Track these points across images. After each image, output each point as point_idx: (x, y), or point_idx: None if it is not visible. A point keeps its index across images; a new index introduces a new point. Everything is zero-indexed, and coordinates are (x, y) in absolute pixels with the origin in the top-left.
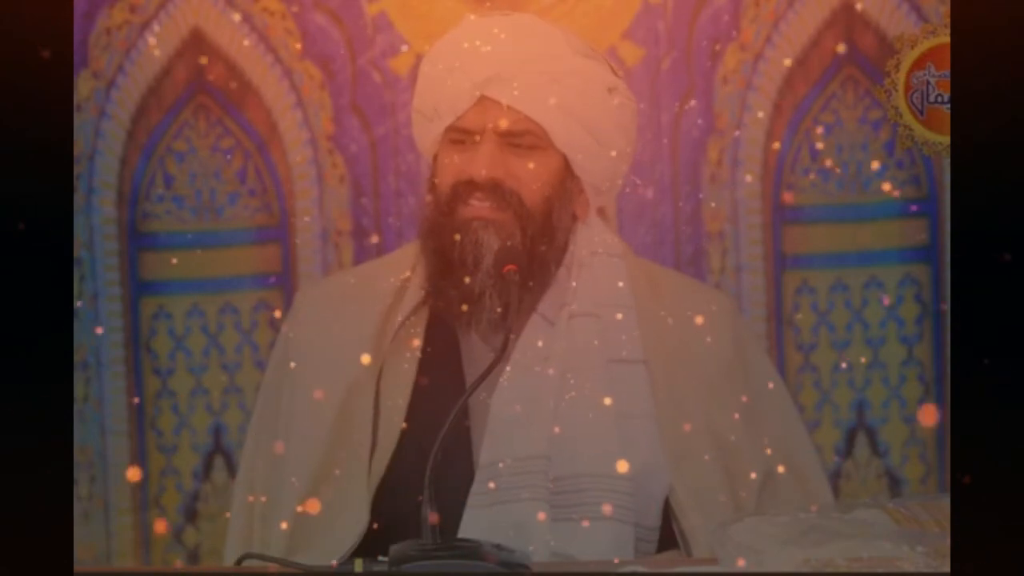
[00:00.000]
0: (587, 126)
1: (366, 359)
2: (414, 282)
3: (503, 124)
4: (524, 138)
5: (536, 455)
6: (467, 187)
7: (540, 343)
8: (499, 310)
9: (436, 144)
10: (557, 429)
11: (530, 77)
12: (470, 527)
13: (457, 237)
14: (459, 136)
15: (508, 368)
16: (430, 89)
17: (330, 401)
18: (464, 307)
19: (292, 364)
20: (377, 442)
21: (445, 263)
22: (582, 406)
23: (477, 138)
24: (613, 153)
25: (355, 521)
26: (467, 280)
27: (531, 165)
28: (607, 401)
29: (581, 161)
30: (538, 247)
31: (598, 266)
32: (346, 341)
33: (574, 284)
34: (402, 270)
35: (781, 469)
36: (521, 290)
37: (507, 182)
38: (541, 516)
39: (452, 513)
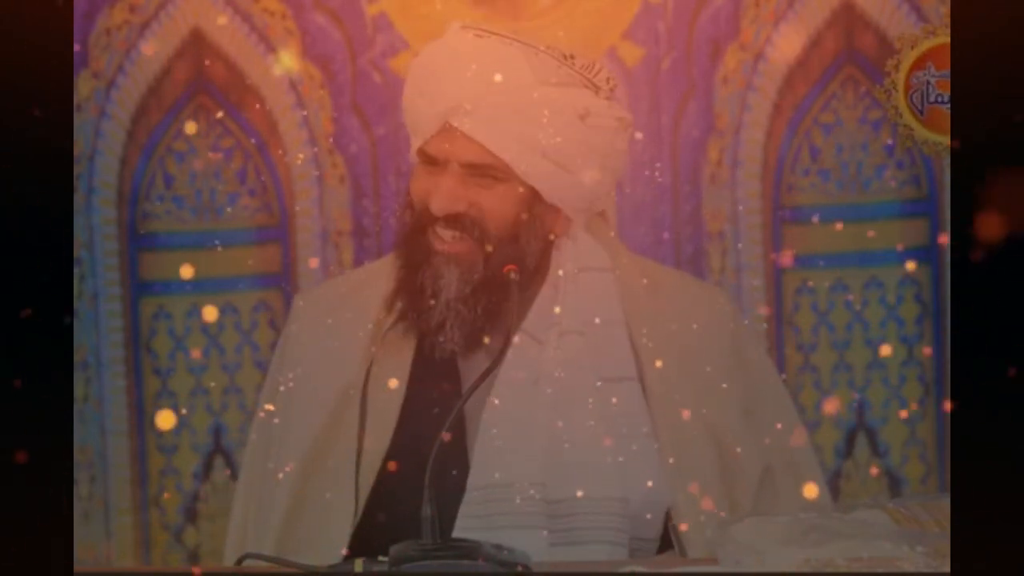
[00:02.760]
0: (551, 157)
1: (361, 357)
2: None
3: (465, 157)
4: (487, 170)
5: (531, 481)
6: (428, 216)
7: (529, 363)
8: (457, 340)
9: (415, 157)
10: (549, 453)
11: (491, 109)
12: None
13: (421, 266)
14: (427, 159)
15: (497, 388)
16: (407, 106)
17: (324, 404)
18: (425, 332)
19: (293, 365)
20: (366, 445)
21: (410, 284)
22: (575, 428)
23: (443, 165)
24: (584, 179)
25: (345, 523)
26: (427, 308)
27: (493, 196)
28: (600, 417)
29: (549, 190)
30: (503, 275)
31: (585, 282)
32: (342, 343)
33: (559, 305)
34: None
35: (778, 465)
36: (520, 292)
37: (469, 213)
38: (543, 541)
39: (448, 519)
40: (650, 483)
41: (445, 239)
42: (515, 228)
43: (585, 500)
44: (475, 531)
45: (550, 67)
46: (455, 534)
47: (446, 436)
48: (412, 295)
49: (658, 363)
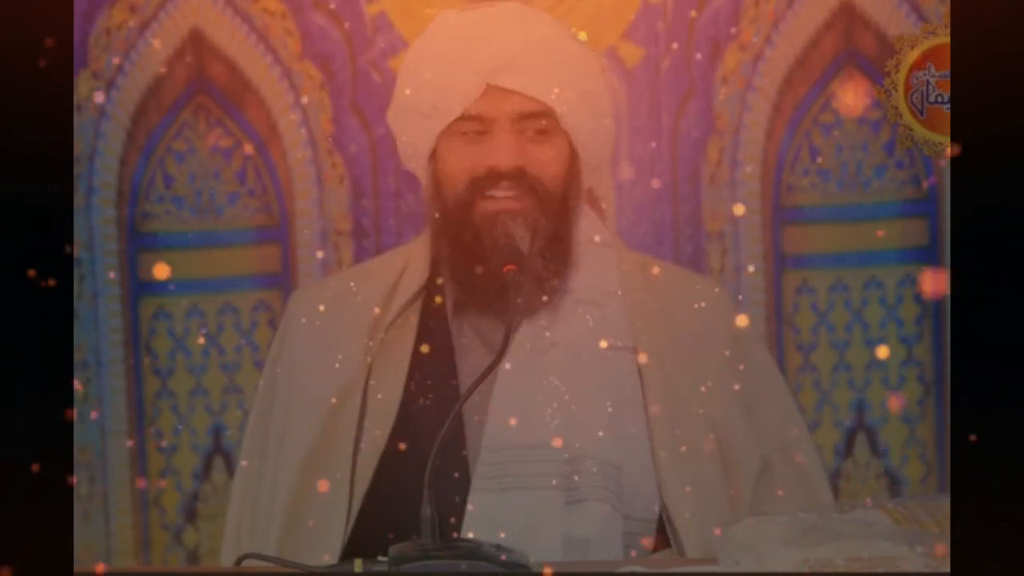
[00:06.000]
0: (590, 106)
1: (357, 356)
2: (406, 280)
3: (515, 110)
4: (537, 123)
5: (547, 444)
6: (489, 178)
7: (547, 330)
8: (544, 298)
9: (433, 141)
10: (559, 415)
11: (536, 63)
12: (477, 511)
13: (484, 230)
14: (470, 127)
15: (513, 352)
16: (428, 86)
17: (323, 400)
18: (498, 297)
19: (289, 363)
20: (363, 444)
21: (470, 258)
22: (581, 392)
23: (490, 128)
24: (607, 128)
25: (341, 521)
26: (506, 271)
27: (546, 150)
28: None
29: (583, 140)
30: (560, 231)
31: (592, 254)
32: (339, 341)
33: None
34: (394, 270)
35: (779, 460)
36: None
37: (529, 168)
38: (558, 500)
39: (444, 511)
40: (638, 448)
41: (504, 198)
42: (564, 185)
43: (586, 459)
44: (490, 491)
45: (564, 25)
46: (471, 496)
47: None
48: (476, 263)
49: (657, 357)
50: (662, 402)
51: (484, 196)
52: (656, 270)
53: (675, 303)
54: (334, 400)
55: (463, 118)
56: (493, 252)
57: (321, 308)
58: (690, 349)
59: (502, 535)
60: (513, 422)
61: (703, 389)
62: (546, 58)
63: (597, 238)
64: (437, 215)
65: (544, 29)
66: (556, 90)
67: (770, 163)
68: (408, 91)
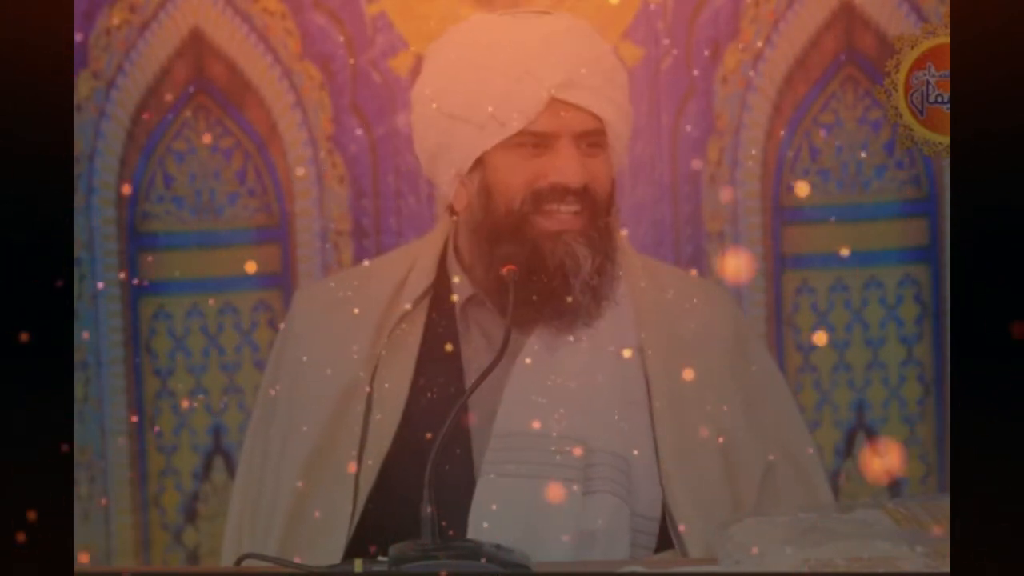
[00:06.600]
0: (627, 119)
1: (363, 354)
2: (412, 279)
3: (577, 127)
4: (591, 138)
5: (557, 435)
6: (553, 193)
7: (562, 330)
8: (593, 311)
9: (479, 151)
10: (571, 407)
11: (593, 78)
12: (489, 492)
13: (545, 249)
14: (528, 140)
15: (536, 347)
16: (482, 96)
17: (328, 398)
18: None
19: (293, 362)
20: (370, 439)
21: (525, 271)
22: (591, 390)
23: (552, 143)
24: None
25: (345, 519)
26: (563, 290)
27: (599, 164)
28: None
29: (619, 151)
30: (609, 244)
31: None
32: (344, 340)
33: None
34: (400, 269)
35: (780, 460)
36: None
37: (590, 184)
38: (568, 496)
39: (448, 512)
40: (642, 444)
41: (565, 215)
42: (610, 197)
43: (596, 452)
44: (497, 477)
45: (595, 31)
46: (478, 482)
47: (427, 435)
48: (531, 277)
49: (661, 358)
50: (666, 402)
51: (543, 211)
52: (660, 272)
53: (680, 305)
54: (339, 399)
55: (527, 132)
56: (555, 271)
57: (325, 307)
58: (694, 350)
59: (509, 522)
60: (524, 414)
61: (706, 390)
62: (599, 74)
63: (624, 232)
64: (483, 223)
65: (592, 40)
66: (610, 106)
67: (770, 163)
68: (464, 100)
